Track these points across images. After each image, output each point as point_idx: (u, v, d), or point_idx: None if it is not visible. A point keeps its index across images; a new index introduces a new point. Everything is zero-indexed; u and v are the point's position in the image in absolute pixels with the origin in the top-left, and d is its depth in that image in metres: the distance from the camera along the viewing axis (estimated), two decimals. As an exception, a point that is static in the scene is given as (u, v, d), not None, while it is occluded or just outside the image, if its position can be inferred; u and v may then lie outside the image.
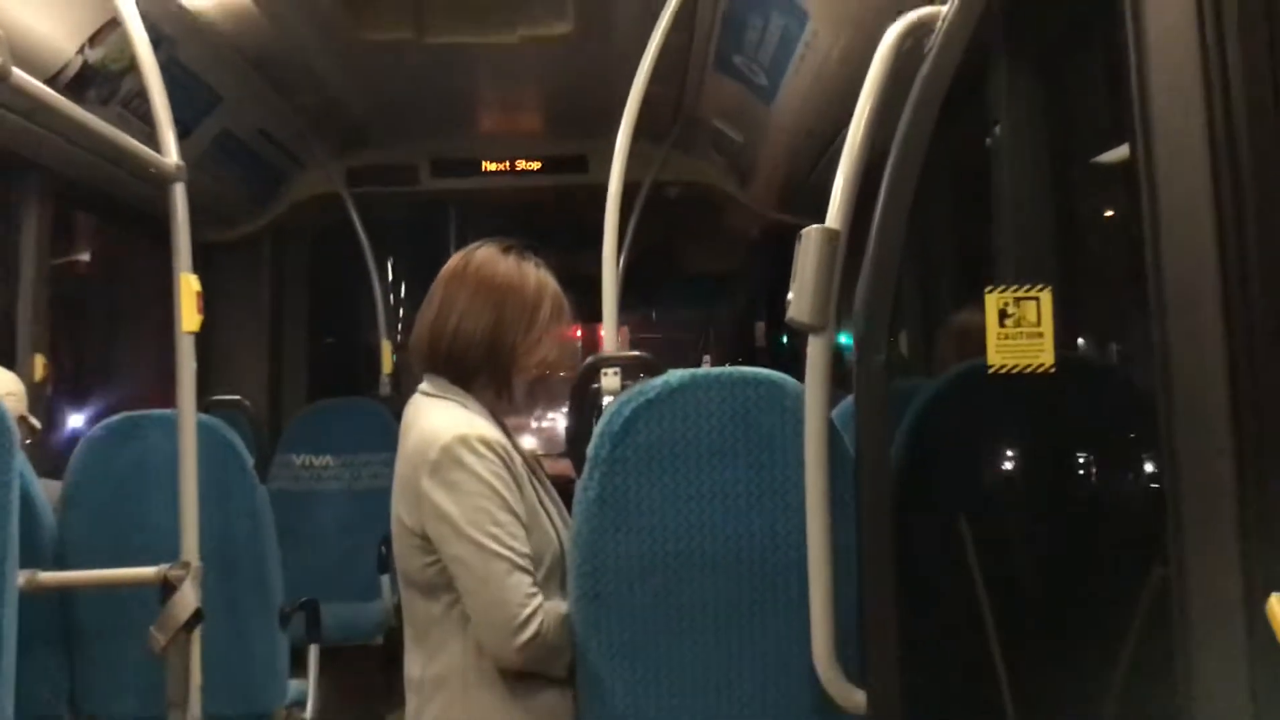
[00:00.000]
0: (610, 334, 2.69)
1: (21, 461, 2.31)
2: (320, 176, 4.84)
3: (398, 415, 4.77)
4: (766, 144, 3.89)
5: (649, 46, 2.85)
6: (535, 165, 4.85)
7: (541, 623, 1.77)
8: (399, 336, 5.63)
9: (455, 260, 2.00)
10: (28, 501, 2.41)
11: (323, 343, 6.07)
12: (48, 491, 2.76)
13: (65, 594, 2.68)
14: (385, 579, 4.16)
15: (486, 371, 1.93)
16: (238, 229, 4.85)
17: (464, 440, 1.80)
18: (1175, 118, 1.31)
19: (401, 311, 6.33)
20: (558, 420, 7.22)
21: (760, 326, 6.59)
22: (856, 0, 2.43)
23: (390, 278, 6.10)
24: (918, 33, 1.65)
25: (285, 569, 2.96)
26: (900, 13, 1.70)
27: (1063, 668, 1.81)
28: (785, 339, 5.82)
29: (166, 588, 2.34)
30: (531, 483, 1.89)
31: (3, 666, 2.13)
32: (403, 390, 5.08)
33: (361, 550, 4.29)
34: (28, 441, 2.68)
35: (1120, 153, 2.01)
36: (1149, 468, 1.77)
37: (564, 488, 2.02)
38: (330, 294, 5.96)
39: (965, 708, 1.85)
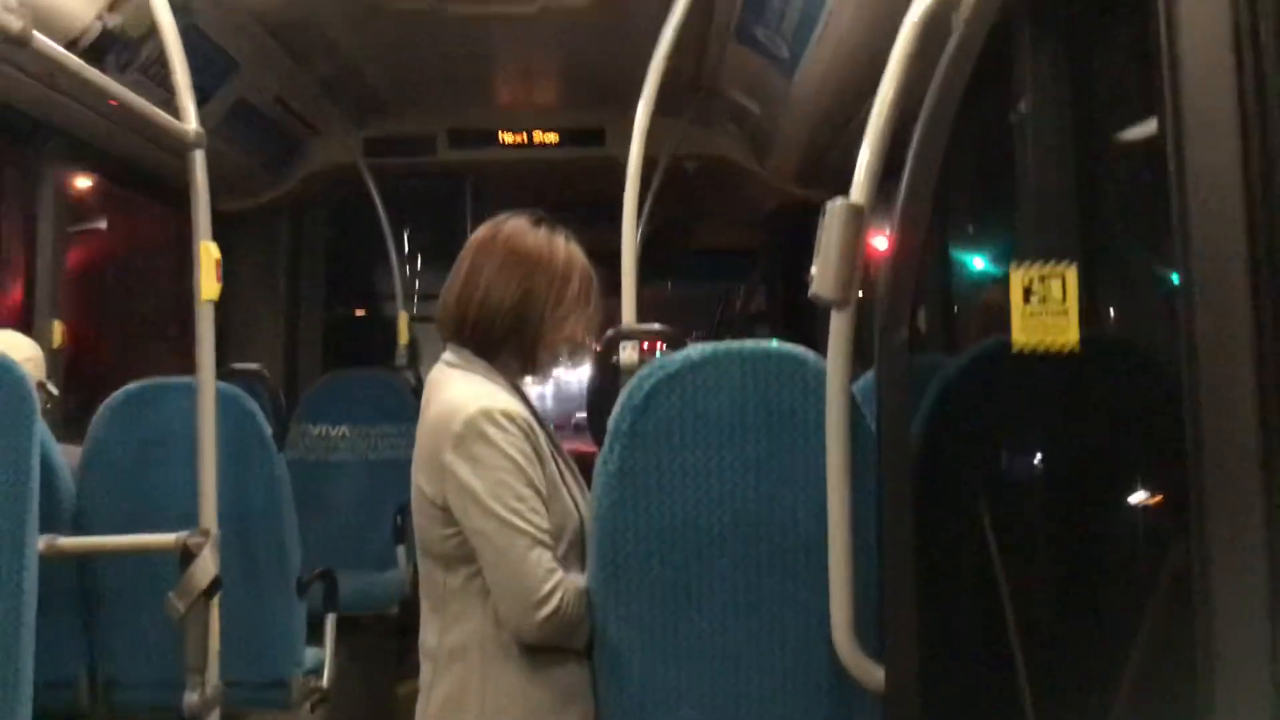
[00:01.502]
0: (629, 307, 2.68)
1: (41, 427, 2.33)
2: (337, 146, 4.83)
3: (414, 386, 4.80)
4: (786, 118, 3.86)
5: (670, 18, 2.83)
6: (552, 137, 4.83)
7: (562, 597, 1.77)
8: (415, 307, 5.63)
9: (484, 230, 1.99)
10: (47, 467, 2.43)
11: (339, 313, 6.08)
12: (67, 457, 2.78)
13: (84, 559, 2.70)
14: (401, 549, 4.18)
15: (512, 344, 1.93)
16: (255, 198, 4.84)
17: (488, 413, 1.80)
18: (1206, 93, 1.29)
19: (418, 282, 6.33)
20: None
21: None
22: (881, -28, 2.40)
23: (406, 248, 6.10)
24: (946, 8, 1.63)
25: (301, 538, 2.98)
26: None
27: (1081, 650, 1.81)
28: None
29: (185, 555, 2.35)
30: (553, 456, 1.89)
31: (23, 631, 2.14)
32: (419, 361, 5.09)
33: (377, 520, 4.31)
34: (47, 407, 2.69)
35: (1147, 129, 1.99)
36: (1173, 449, 1.76)
37: (581, 461, 2.02)
38: (347, 264, 5.96)
39: (983, 686, 1.85)
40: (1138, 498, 1.93)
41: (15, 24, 1.76)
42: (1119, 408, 1.86)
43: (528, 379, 2.05)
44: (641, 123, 2.81)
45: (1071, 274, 1.54)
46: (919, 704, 1.55)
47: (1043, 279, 1.55)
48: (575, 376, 6.99)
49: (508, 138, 4.84)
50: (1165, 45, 1.32)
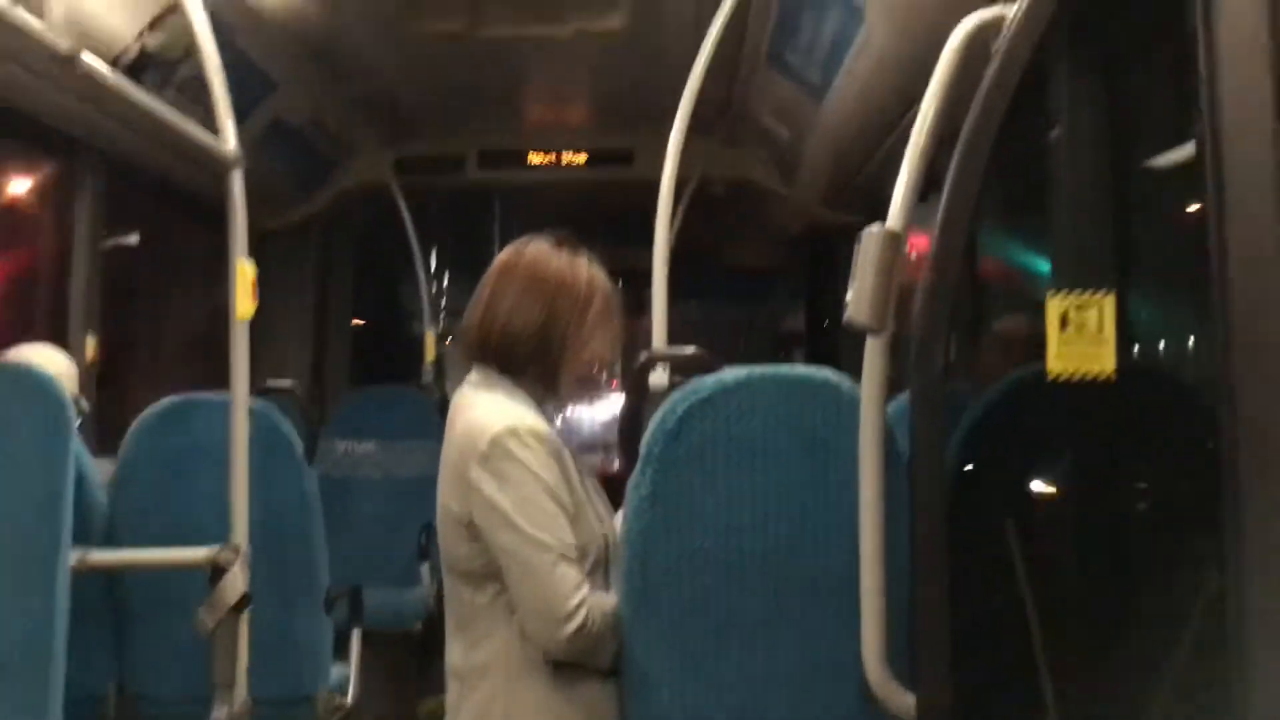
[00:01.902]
0: (659, 329, 2.68)
1: (76, 442, 2.35)
2: (369, 165, 4.87)
3: (440, 404, 4.82)
4: (815, 142, 3.87)
5: (705, 43, 2.85)
6: (582, 158, 4.85)
7: (588, 615, 1.78)
8: (441, 326, 5.65)
9: (507, 253, 2.00)
10: (80, 481, 2.44)
11: (367, 329, 6.11)
12: (100, 470, 2.80)
13: (114, 573, 2.72)
14: (425, 566, 4.19)
15: (536, 366, 1.94)
16: (286, 216, 4.88)
17: (514, 432, 1.81)
18: (1245, 120, 1.29)
19: (445, 301, 6.36)
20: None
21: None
22: (913, 1, 2.41)
23: (434, 266, 6.13)
24: (986, 32, 1.63)
25: (327, 555, 2.99)
26: (958, 15, 1.68)
27: (1112, 679, 1.79)
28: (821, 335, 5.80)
29: (215, 570, 2.36)
30: (578, 476, 1.90)
31: (54, 644, 2.16)
32: (445, 379, 5.11)
33: (402, 537, 4.33)
34: (79, 422, 2.71)
35: (1185, 154, 1.99)
36: (1208, 479, 1.75)
37: (606, 482, 2.03)
38: (375, 282, 5.99)
39: (1016, 714, 1.84)
40: (1173, 528, 1.92)
41: (63, 44, 1.79)
42: (1155, 437, 1.85)
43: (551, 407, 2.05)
44: (674, 145, 2.83)
45: (1109, 303, 1.54)
46: (952, 732, 1.54)
47: (1079, 308, 1.55)
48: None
49: (537, 158, 4.86)
50: (1205, 70, 1.32)
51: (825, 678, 1.76)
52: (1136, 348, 2.12)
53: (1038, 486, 1.99)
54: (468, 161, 4.90)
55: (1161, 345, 2.23)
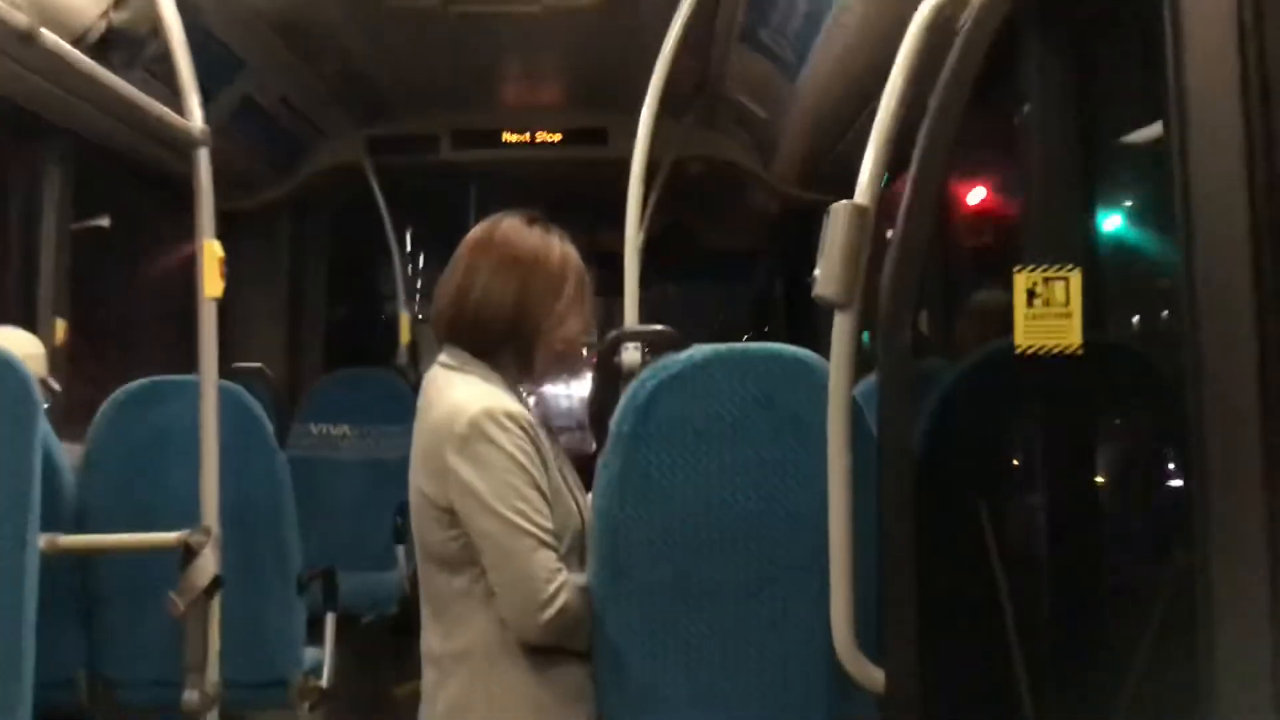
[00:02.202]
0: (631, 309, 2.68)
1: (43, 425, 2.33)
2: (341, 145, 4.84)
3: (415, 386, 4.80)
4: (791, 120, 3.87)
5: (675, 19, 2.84)
6: (556, 137, 4.83)
7: (566, 599, 1.77)
8: (416, 307, 5.63)
9: (479, 230, 1.98)
10: (49, 465, 2.42)
11: (340, 312, 6.08)
12: (68, 455, 2.78)
13: (84, 558, 2.70)
14: (400, 549, 4.18)
15: (510, 345, 1.92)
16: (258, 197, 4.85)
17: (490, 414, 1.79)
18: (1211, 95, 1.29)
19: (420, 282, 6.33)
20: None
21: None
22: (886, -25, 2.40)
23: (409, 248, 6.10)
24: (951, 7, 1.63)
25: (301, 537, 2.97)
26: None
27: (1081, 654, 1.81)
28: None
29: (187, 553, 2.35)
30: (555, 458, 1.89)
31: (24, 629, 2.15)
32: (420, 361, 5.09)
33: (377, 520, 4.30)
34: (47, 405, 2.69)
35: (1151, 133, 1.99)
36: (1175, 455, 1.76)
37: (580, 463, 2.02)
38: (349, 263, 5.96)
39: (983, 690, 1.85)
40: (1140, 503, 1.93)
41: (22, 20, 1.76)
42: (1122, 411, 1.86)
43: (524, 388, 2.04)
44: (645, 124, 2.81)
45: (1075, 277, 1.55)
46: (918, 706, 1.55)
47: (1046, 281, 1.55)
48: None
49: (511, 137, 4.84)
50: (1170, 47, 1.32)
51: (796, 655, 1.77)
52: (1103, 322, 2.13)
53: (1006, 462, 2.00)
54: (441, 141, 4.88)
55: (1129, 320, 2.24)
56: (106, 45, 2.97)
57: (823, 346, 1.71)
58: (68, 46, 2.02)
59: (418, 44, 3.96)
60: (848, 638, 1.65)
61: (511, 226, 1.96)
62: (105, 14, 2.92)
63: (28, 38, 1.80)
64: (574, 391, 7.04)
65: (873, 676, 1.63)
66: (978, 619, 1.82)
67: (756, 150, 4.65)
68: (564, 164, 4.92)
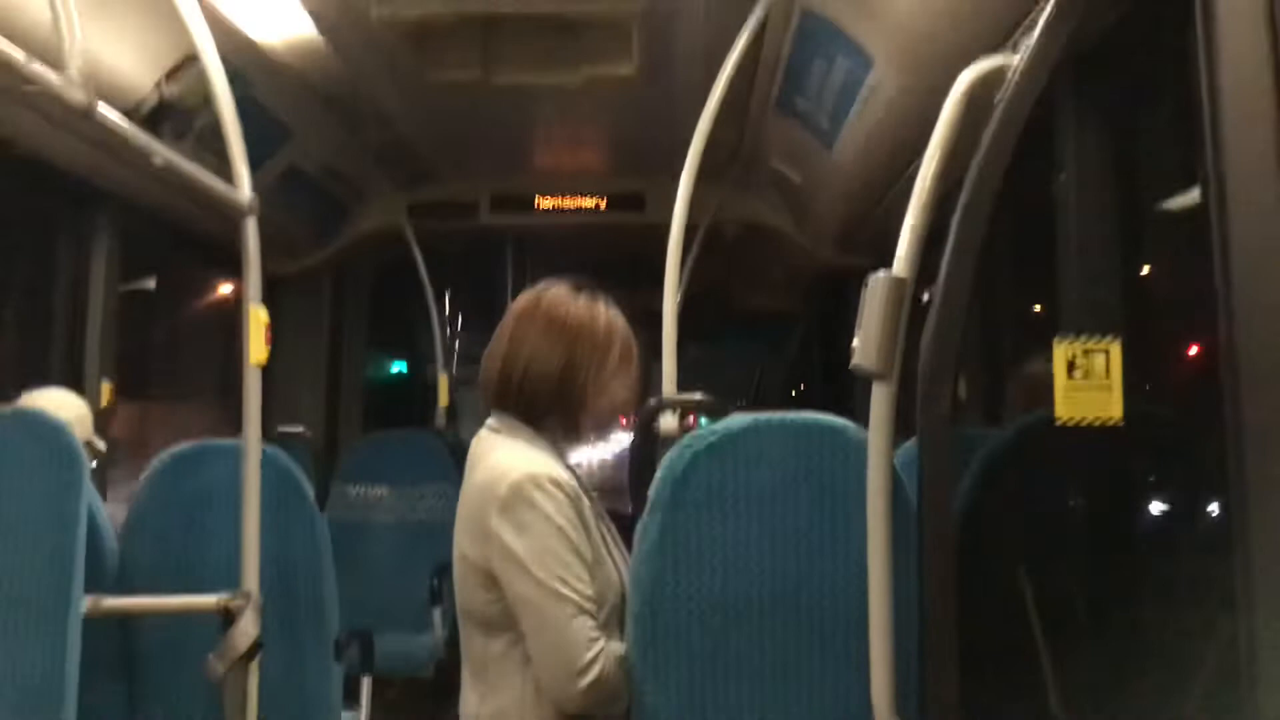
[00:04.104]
0: (669, 374, 2.69)
1: (87, 487, 2.36)
2: (382, 211, 4.91)
3: (453, 448, 4.80)
4: (826, 187, 3.89)
5: (714, 89, 2.88)
6: (594, 203, 4.88)
7: (603, 667, 1.76)
8: (455, 369, 5.67)
9: (526, 298, 2.00)
10: (92, 526, 2.45)
11: (380, 374, 6.13)
12: (112, 516, 2.81)
13: (126, 619, 2.72)
14: (437, 611, 4.18)
15: (557, 410, 1.94)
16: (300, 261, 4.92)
17: (534, 479, 1.80)
18: (1249, 165, 1.30)
19: (458, 345, 6.38)
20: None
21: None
22: (922, 47, 2.43)
23: (448, 311, 6.16)
24: (989, 81, 1.65)
25: (338, 599, 2.98)
26: (967, 61, 1.70)
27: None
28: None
29: (227, 616, 2.36)
30: (596, 523, 1.90)
31: (67, 691, 2.16)
32: (458, 422, 5.12)
33: (414, 582, 4.31)
34: (93, 465, 2.73)
35: (1188, 199, 2.00)
36: (1218, 526, 1.74)
37: (618, 522, 2.03)
38: (389, 326, 6.02)
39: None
40: (1181, 570, 1.90)
41: (80, 97, 1.81)
42: (1164, 482, 1.84)
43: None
44: (684, 190, 2.85)
45: (1115, 349, 1.54)
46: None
47: (1086, 353, 1.55)
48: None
49: (549, 203, 4.89)
50: (1208, 118, 1.33)
51: (835, 725, 1.75)
52: (1144, 392, 2.12)
53: (1047, 532, 1.98)
54: (480, 206, 4.94)
55: (1169, 390, 2.23)
56: (159, 116, 3.05)
57: (857, 408, 1.71)
58: (122, 120, 2.07)
59: (459, 114, 4.03)
60: (888, 708, 1.63)
61: (557, 295, 1.98)
62: (158, 86, 3.01)
63: (86, 114, 1.85)
64: (612, 454, 7.04)
65: (913, 749, 1.62)
66: (1020, 691, 1.80)
67: (792, 215, 4.67)
68: (602, 228, 4.96)
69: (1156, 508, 1.90)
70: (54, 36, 1.79)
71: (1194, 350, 2.15)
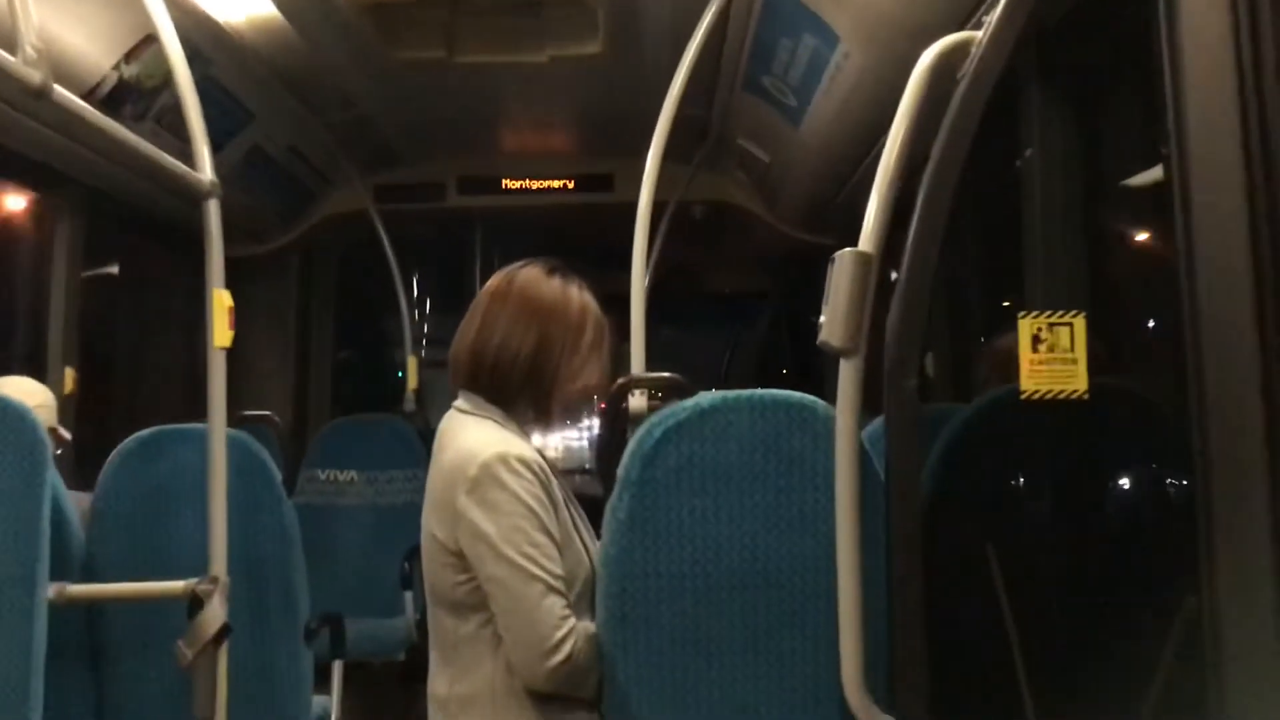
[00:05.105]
0: (638, 354, 2.68)
1: (52, 475, 2.34)
2: (348, 193, 4.87)
3: (422, 431, 4.78)
4: (794, 165, 3.90)
5: (680, 67, 2.87)
6: (561, 183, 4.86)
7: (574, 645, 1.76)
8: (423, 352, 5.65)
9: (498, 279, 1.99)
10: (57, 514, 2.42)
11: (347, 357, 6.10)
12: (76, 504, 2.78)
13: (93, 607, 2.70)
14: (408, 595, 4.17)
15: (528, 392, 1.93)
16: (266, 244, 4.88)
17: (503, 459, 1.79)
18: (1212, 140, 1.31)
19: (426, 328, 6.36)
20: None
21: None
22: (888, 23, 2.43)
23: (415, 294, 6.13)
24: (952, 57, 1.65)
25: (308, 584, 2.97)
26: (933, 37, 1.70)
27: (1092, 699, 1.79)
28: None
29: (194, 602, 2.34)
30: (566, 503, 1.89)
31: (32, 679, 2.14)
32: (426, 406, 5.10)
33: (384, 566, 4.30)
34: (58, 452, 2.70)
35: (1152, 176, 2.01)
36: (1181, 497, 1.76)
37: (589, 505, 2.02)
38: (356, 309, 5.98)
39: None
40: (1146, 544, 1.92)
41: (35, 77, 1.78)
42: (1128, 454, 1.86)
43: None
44: (651, 168, 2.84)
45: (1079, 322, 1.55)
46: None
47: (1051, 327, 1.56)
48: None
49: (516, 184, 4.87)
50: (1171, 92, 1.33)
51: (805, 701, 1.76)
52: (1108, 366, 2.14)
53: (1013, 505, 2.00)
54: (447, 188, 4.91)
55: (1132, 364, 2.24)
56: (118, 98, 3.01)
57: (828, 387, 1.71)
58: (80, 101, 2.04)
59: (424, 93, 4.00)
60: (858, 684, 1.64)
61: (530, 275, 1.97)
62: (117, 67, 2.96)
63: (40, 94, 1.82)
64: (581, 435, 7.04)
65: (883, 721, 1.63)
66: (989, 664, 1.81)
67: (760, 194, 4.67)
68: (569, 209, 4.95)
69: (1122, 479, 1.91)
70: (8, 16, 1.76)
71: (1157, 324, 2.16)
